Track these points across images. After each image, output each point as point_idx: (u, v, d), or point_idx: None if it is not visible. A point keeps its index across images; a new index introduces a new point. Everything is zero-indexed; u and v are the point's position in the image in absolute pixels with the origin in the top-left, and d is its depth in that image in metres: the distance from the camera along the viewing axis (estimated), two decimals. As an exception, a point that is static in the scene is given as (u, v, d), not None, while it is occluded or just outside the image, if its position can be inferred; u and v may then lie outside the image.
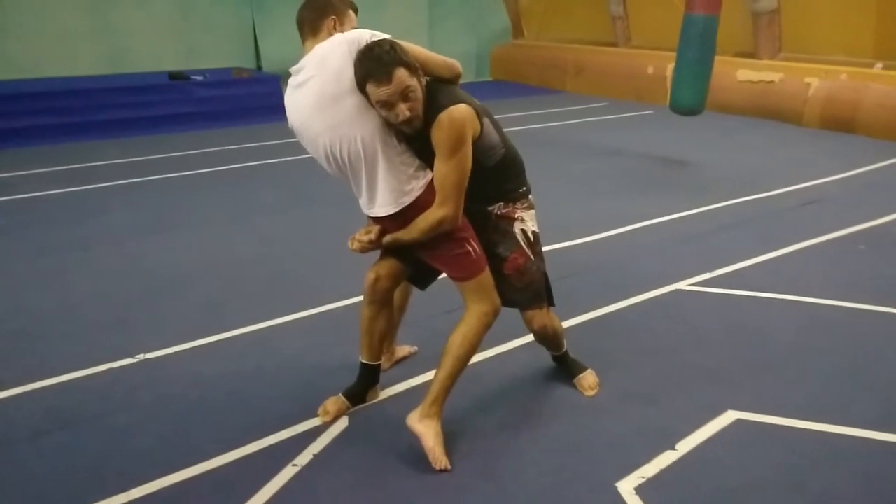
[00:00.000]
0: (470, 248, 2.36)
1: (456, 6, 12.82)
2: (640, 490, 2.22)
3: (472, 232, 2.38)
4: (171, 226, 4.95)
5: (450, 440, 2.49)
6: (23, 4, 9.47)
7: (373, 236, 2.40)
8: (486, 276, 2.40)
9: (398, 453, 2.44)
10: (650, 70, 10.23)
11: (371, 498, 2.23)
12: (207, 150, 7.30)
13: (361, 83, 2.14)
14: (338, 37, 2.25)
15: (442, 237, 2.32)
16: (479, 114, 2.30)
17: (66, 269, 4.18)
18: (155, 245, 4.56)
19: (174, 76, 9.47)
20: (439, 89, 2.25)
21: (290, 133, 2.38)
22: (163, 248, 4.50)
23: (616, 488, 2.23)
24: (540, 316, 2.60)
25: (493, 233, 2.48)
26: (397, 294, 2.71)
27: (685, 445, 2.44)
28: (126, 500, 2.21)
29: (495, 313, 2.43)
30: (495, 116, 2.46)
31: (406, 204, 2.30)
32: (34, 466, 2.40)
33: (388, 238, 2.38)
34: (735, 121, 8.61)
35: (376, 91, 2.11)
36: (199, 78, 9.48)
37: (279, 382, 2.90)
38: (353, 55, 2.16)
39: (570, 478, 2.30)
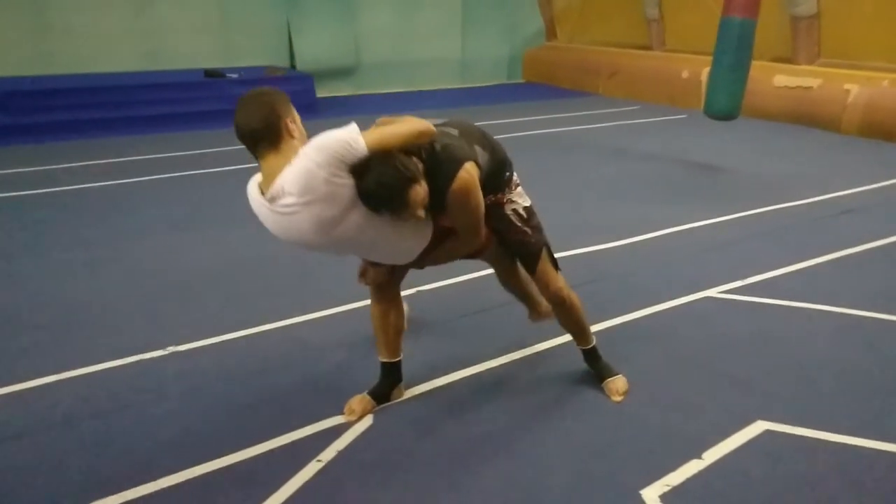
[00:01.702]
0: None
1: (490, 8, 12.79)
2: (664, 498, 2.19)
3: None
4: (204, 221, 5.03)
5: (474, 442, 2.50)
6: (66, 3, 9.69)
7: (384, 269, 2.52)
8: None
9: (422, 453, 2.44)
10: (685, 74, 10.11)
11: (394, 496, 2.24)
12: (241, 146, 7.38)
13: (373, 209, 2.15)
14: (309, 158, 2.03)
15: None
16: (475, 152, 2.35)
17: (102, 261, 4.27)
18: (187, 240, 4.64)
19: (209, 74, 9.61)
20: (437, 156, 2.25)
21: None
22: (195, 243, 4.57)
23: (640, 495, 2.21)
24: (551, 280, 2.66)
25: (489, 219, 2.50)
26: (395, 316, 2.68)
27: (712, 455, 2.40)
28: (154, 489, 2.25)
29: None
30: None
31: (427, 244, 2.40)
32: (66, 452, 2.45)
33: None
34: (771, 127, 8.47)
35: (393, 215, 2.18)
36: (234, 76, 9.60)
37: (305, 379, 2.93)
38: (338, 175, 2.04)
39: (595, 483, 2.28)
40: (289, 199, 2.06)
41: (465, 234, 2.42)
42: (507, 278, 2.89)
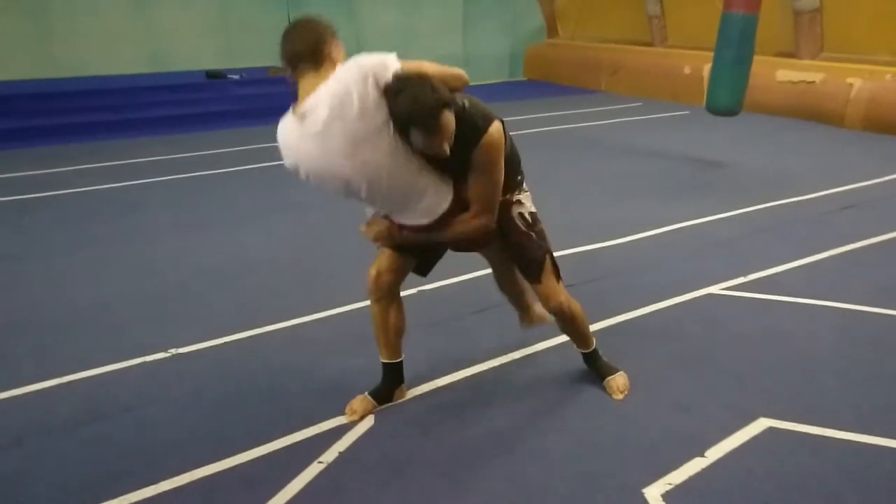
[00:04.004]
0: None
1: (491, 5, 12.81)
2: (667, 497, 2.19)
3: None
4: (207, 222, 5.03)
5: (475, 442, 2.49)
6: (70, 6, 9.75)
7: (390, 226, 2.42)
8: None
9: (423, 453, 2.44)
10: (687, 70, 10.09)
11: (396, 497, 2.24)
12: (243, 147, 7.39)
13: (404, 127, 2.11)
14: (348, 70, 2.08)
15: None
16: (503, 123, 2.32)
17: (105, 263, 4.28)
18: (190, 241, 4.64)
19: (211, 75, 9.64)
20: (466, 111, 2.23)
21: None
22: (198, 245, 4.58)
23: (643, 494, 2.20)
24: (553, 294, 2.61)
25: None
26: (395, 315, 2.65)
27: (715, 452, 2.39)
28: (155, 492, 2.25)
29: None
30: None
31: (440, 214, 2.34)
32: (69, 456, 2.45)
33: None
34: (774, 122, 8.45)
35: (423, 138, 2.12)
36: (236, 77, 9.63)
37: (307, 380, 2.93)
38: (376, 87, 2.07)
39: (597, 482, 2.27)
40: (321, 113, 2.10)
41: (480, 205, 2.32)
42: (504, 281, 2.87)
